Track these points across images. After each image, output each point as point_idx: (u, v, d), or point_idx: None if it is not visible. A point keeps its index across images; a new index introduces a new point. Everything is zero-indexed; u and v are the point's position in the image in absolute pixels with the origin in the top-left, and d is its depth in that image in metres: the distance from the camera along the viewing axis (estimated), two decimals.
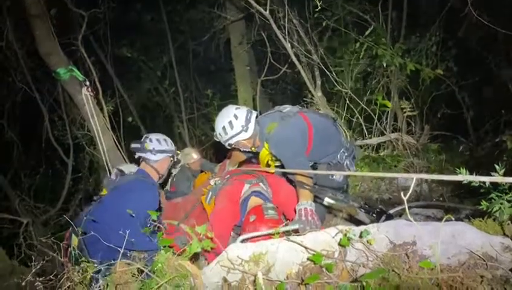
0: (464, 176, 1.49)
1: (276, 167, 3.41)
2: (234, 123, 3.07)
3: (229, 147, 3.30)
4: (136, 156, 3.39)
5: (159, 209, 3.27)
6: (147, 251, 2.45)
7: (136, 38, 8.60)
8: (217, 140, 3.26)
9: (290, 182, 3.35)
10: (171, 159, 3.47)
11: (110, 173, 4.60)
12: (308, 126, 3.10)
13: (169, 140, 3.50)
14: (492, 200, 1.96)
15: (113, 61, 7.91)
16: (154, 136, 3.39)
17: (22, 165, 7.50)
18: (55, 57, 4.47)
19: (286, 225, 2.55)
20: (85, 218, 2.79)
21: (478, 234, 1.70)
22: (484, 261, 1.59)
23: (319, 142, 3.13)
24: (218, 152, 6.90)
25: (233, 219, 3.21)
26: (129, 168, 3.88)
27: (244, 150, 3.34)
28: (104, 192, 3.22)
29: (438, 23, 5.56)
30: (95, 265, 2.13)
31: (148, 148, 3.29)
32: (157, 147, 3.32)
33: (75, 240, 2.85)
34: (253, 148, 3.28)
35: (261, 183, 3.37)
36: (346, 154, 3.31)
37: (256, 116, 3.20)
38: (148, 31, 8.69)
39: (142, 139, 3.39)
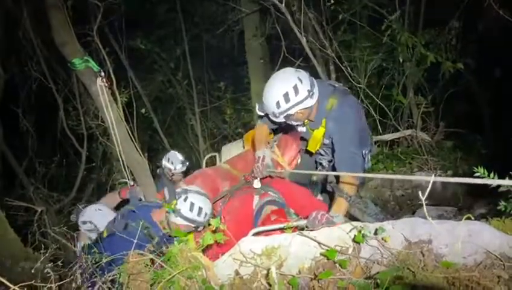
0: (492, 180, 1.45)
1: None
2: (300, 87, 2.51)
3: (282, 121, 2.69)
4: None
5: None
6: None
7: (151, 30, 8.62)
8: (262, 113, 2.82)
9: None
10: (193, 228, 2.78)
11: (123, 164, 4.61)
12: (362, 109, 2.90)
13: (206, 209, 2.77)
14: (511, 200, 1.92)
15: (127, 53, 7.93)
16: (192, 196, 2.75)
17: (36, 154, 7.60)
18: (71, 47, 4.48)
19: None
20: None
21: (496, 233, 1.66)
22: (501, 261, 1.56)
23: (363, 127, 2.89)
24: None
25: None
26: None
27: (296, 124, 2.80)
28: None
29: (458, 16, 5.44)
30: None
31: (176, 209, 2.68)
32: (185, 213, 2.71)
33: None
34: (306, 121, 2.80)
35: (270, 192, 3.09)
36: (369, 148, 3.01)
37: None
38: (163, 22, 8.70)
39: (178, 194, 2.79)
